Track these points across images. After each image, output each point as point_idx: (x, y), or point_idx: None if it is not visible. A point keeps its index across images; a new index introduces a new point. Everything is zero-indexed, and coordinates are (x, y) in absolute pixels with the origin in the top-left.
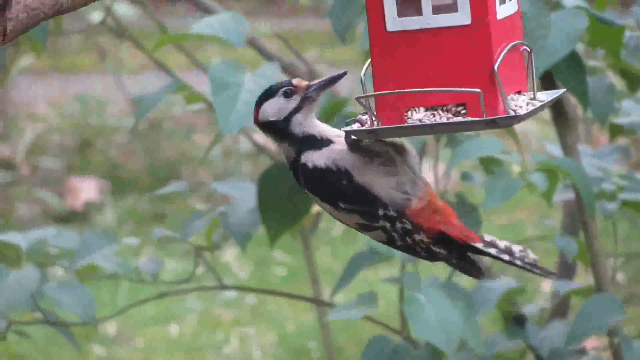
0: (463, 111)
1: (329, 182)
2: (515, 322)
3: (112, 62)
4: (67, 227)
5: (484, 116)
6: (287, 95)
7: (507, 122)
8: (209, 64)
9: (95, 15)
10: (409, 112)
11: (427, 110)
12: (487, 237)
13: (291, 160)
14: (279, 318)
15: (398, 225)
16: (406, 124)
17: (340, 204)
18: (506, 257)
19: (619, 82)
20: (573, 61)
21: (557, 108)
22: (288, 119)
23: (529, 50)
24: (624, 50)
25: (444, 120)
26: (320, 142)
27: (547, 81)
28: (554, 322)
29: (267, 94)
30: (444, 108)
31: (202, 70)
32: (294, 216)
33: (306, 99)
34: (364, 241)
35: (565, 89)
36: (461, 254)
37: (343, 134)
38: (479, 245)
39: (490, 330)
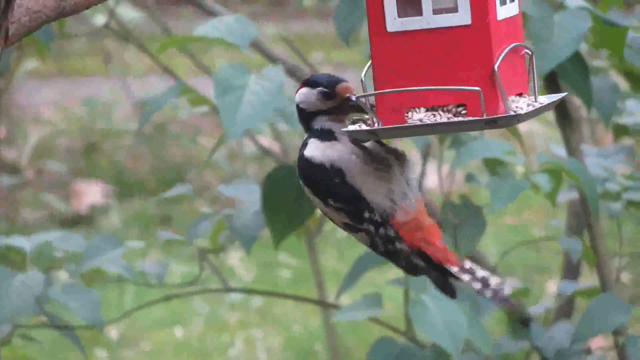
0: (464, 112)
1: (321, 177)
2: (520, 323)
3: (118, 65)
4: (72, 231)
5: (484, 116)
6: (325, 96)
7: (507, 122)
8: (214, 67)
9: (99, 18)
10: (410, 113)
11: (427, 110)
12: (468, 265)
13: (299, 155)
14: (285, 320)
15: (381, 230)
16: (406, 124)
17: (330, 200)
18: (478, 285)
19: (622, 83)
20: (577, 62)
21: (561, 109)
22: (314, 114)
23: (530, 53)
24: (628, 51)
25: (444, 120)
26: (326, 136)
27: (551, 82)
28: (559, 322)
29: (311, 82)
30: (445, 109)
31: (207, 73)
32: (299, 218)
33: (339, 108)
34: None
35: (565, 93)
36: (441, 272)
37: (341, 134)
38: (454, 269)
39: (496, 331)
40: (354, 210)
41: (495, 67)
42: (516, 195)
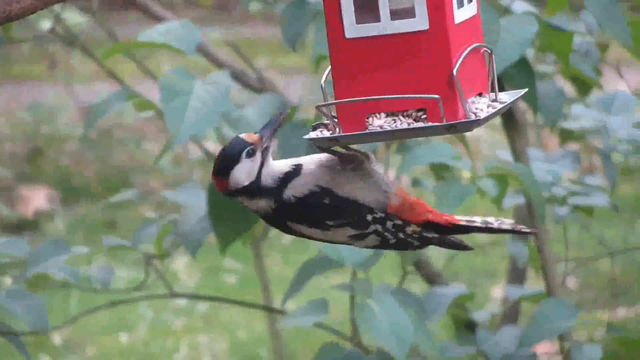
0: (424, 116)
1: (314, 206)
2: (466, 328)
3: (63, 70)
4: (17, 236)
5: (444, 121)
6: (250, 154)
7: (467, 127)
8: (160, 72)
9: (45, 23)
10: (370, 118)
11: (387, 115)
12: (464, 217)
13: (270, 210)
14: (230, 326)
15: (388, 224)
16: (367, 131)
17: (329, 222)
18: (493, 225)
19: (568, 88)
20: (523, 66)
21: (507, 114)
22: (258, 176)
23: (489, 51)
24: (575, 55)
25: (405, 126)
26: (294, 172)
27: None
28: (505, 327)
29: (230, 161)
30: (405, 113)
31: (152, 77)
32: (245, 223)
33: (265, 151)
34: (315, 248)
35: (526, 89)
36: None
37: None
38: (463, 223)
39: (442, 336)
40: (357, 219)
41: (454, 71)
42: (462, 200)
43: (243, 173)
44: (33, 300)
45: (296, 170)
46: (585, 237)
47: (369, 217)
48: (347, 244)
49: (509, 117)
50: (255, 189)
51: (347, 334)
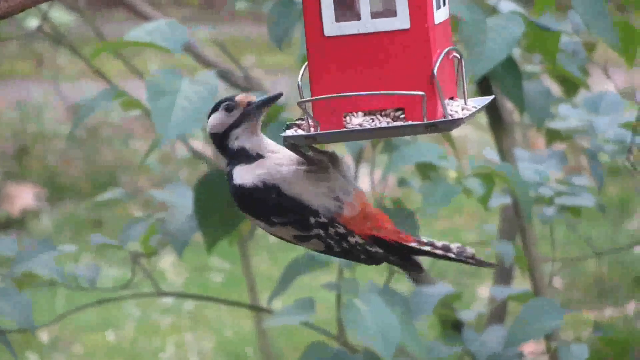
0: (402, 115)
1: (258, 199)
2: (452, 327)
3: (50, 68)
4: (4, 234)
5: (425, 120)
6: (228, 109)
7: (448, 126)
8: (147, 70)
9: (32, 21)
10: (348, 117)
11: (365, 115)
12: (424, 239)
13: (226, 174)
14: (217, 324)
15: (331, 230)
16: (346, 129)
17: (273, 218)
18: (440, 252)
19: (555, 87)
20: (509, 66)
21: (494, 113)
22: (227, 132)
23: (459, 57)
24: (562, 55)
25: (384, 124)
26: (249, 158)
27: (483, 86)
28: (492, 327)
29: (213, 108)
30: (383, 113)
31: (139, 76)
32: (231, 222)
33: (245, 115)
34: (302, 248)
35: (494, 96)
36: (400, 254)
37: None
38: (412, 244)
39: (429, 336)
40: (299, 220)
41: (435, 70)
42: (449, 199)
43: (215, 121)
44: (20, 298)
45: (252, 157)
46: (572, 237)
47: (312, 220)
48: (294, 243)
49: (495, 117)
50: (220, 142)
51: (333, 333)
